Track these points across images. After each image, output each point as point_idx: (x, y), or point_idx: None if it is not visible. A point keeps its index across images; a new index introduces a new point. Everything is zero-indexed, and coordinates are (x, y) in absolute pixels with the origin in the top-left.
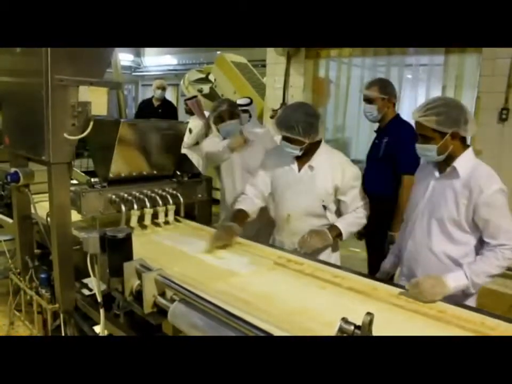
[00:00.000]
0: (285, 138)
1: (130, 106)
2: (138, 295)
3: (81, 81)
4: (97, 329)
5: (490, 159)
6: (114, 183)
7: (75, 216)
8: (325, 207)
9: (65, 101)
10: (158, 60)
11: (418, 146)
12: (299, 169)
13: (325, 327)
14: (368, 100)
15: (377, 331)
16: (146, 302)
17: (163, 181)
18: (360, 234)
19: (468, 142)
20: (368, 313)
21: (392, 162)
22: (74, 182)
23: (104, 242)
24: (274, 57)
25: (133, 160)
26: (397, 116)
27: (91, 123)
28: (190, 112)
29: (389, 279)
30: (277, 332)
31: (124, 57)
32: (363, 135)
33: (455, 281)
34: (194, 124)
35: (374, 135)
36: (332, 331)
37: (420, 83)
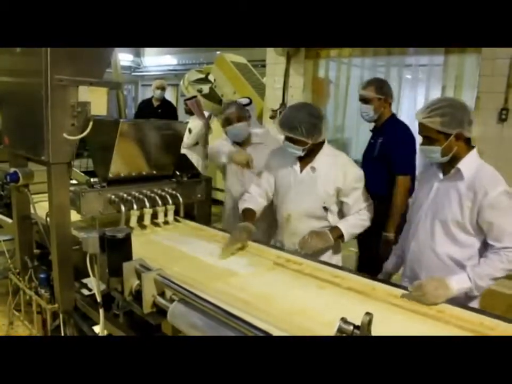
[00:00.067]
0: (287, 139)
1: (130, 107)
2: (137, 295)
3: (81, 81)
4: (97, 329)
5: (489, 160)
6: (114, 183)
7: (74, 216)
8: (326, 209)
9: (64, 101)
10: (157, 60)
11: (422, 148)
12: (301, 170)
13: (324, 327)
14: (364, 100)
15: (376, 331)
16: (146, 302)
17: (162, 181)
18: None
19: None
20: (367, 313)
21: (387, 163)
22: (74, 182)
23: (104, 242)
24: (274, 57)
25: (133, 160)
26: (393, 116)
27: (91, 123)
28: (189, 112)
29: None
30: (276, 332)
31: (124, 57)
32: (362, 135)
33: (458, 283)
34: (194, 124)
35: None
36: (331, 331)
37: (419, 83)
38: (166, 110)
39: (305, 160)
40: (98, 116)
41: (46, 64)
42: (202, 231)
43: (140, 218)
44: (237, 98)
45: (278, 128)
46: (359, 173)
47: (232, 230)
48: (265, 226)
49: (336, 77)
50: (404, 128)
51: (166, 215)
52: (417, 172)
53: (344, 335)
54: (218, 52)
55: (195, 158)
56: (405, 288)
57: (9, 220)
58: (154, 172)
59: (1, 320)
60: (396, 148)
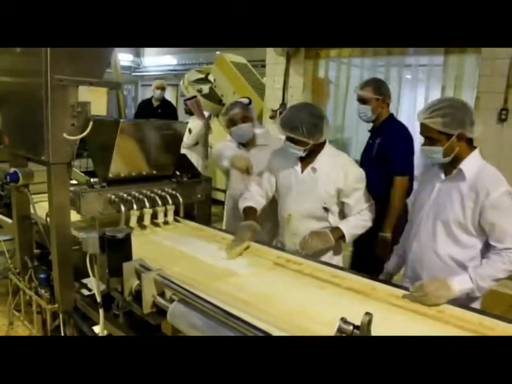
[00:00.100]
0: (289, 139)
1: (129, 107)
2: (137, 295)
3: (81, 81)
4: (97, 329)
5: (489, 160)
6: (114, 183)
7: (74, 216)
8: (326, 210)
9: (64, 101)
10: (157, 60)
11: (424, 149)
12: (302, 171)
13: (324, 327)
14: (362, 100)
15: (376, 331)
16: (146, 302)
17: (162, 181)
18: None
19: None
20: (367, 313)
21: (385, 163)
22: (74, 182)
23: (104, 242)
24: (273, 57)
25: (133, 160)
26: (391, 116)
27: (90, 123)
28: (189, 112)
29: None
30: (276, 332)
31: (124, 57)
32: (362, 135)
33: (460, 284)
34: (194, 124)
35: None
36: (331, 331)
37: (419, 83)
38: (166, 110)
39: (306, 160)
40: (98, 115)
41: (46, 64)
42: (202, 231)
43: (140, 219)
44: (236, 99)
45: (279, 128)
46: (360, 173)
47: (234, 229)
48: (270, 225)
49: (336, 77)
50: (401, 129)
51: (166, 215)
52: (415, 172)
53: (344, 335)
54: (218, 52)
55: (195, 158)
56: (405, 288)
57: (9, 220)
58: (154, 172)
59: (1, 320)
60: (393, 148)
